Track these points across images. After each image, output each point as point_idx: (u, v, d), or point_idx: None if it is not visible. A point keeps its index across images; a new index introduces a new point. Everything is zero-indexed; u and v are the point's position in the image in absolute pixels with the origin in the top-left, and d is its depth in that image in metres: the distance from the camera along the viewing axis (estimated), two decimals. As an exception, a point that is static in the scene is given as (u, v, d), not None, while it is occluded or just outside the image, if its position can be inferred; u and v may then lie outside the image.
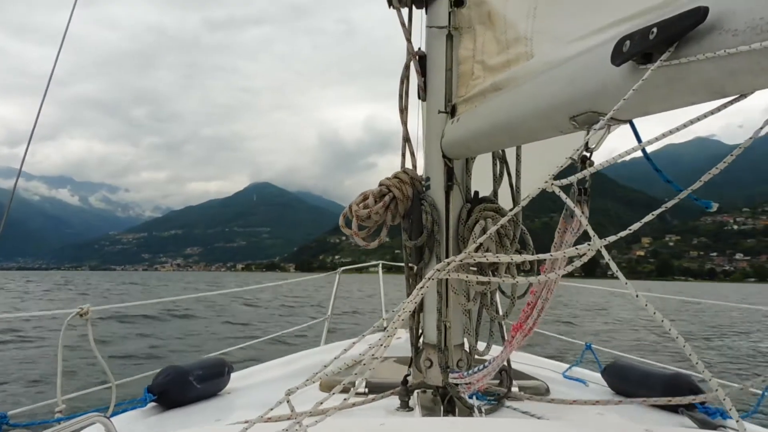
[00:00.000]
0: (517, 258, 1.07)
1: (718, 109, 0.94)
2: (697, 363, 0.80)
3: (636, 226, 0.89)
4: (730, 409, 0.79)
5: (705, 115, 0.95)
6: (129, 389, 3.10)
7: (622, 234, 0.89)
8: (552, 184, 1.02)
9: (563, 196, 1.07)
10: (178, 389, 2.63)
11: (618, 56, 1.03)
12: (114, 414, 2.41)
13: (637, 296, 0.90)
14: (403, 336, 2.78)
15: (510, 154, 2.27)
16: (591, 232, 0.95)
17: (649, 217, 0.88)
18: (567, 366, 3.53)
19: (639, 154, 1.08)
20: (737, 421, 0.78)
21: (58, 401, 2.40)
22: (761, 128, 0.97)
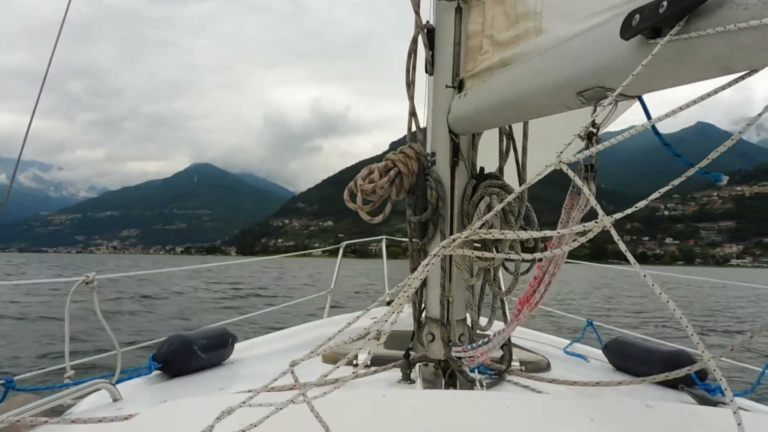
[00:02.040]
0: (523, 235, 1.07)
1: (729, 84, 0.94)
2: (692, 335, 0.80)
3: (642, 203, 0.89)
4: (720, 379, 0.80)
5: (716, 91, 0.94)
6: (137, 358, 3.14)
7: (629, 211, 0.88)
8: (560, 161, 1.02)
9: (570, 173, 1.07)
10: (182, 358, 2.67)
11: (627, 30, 1.02)
12: (119, 381, 2.45)
13: (644, 276, 0.90)
14: (406, 310, 2.81)
15: (517, 130, 2.25)
16: (599, 209, 0.95)
17: (655, 195, 0.88)
18: (568, 342, 3.56)
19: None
20: (731, 400, 0.78)
21: (66, 367, 2.44)
22: (761, 114, 0.96)
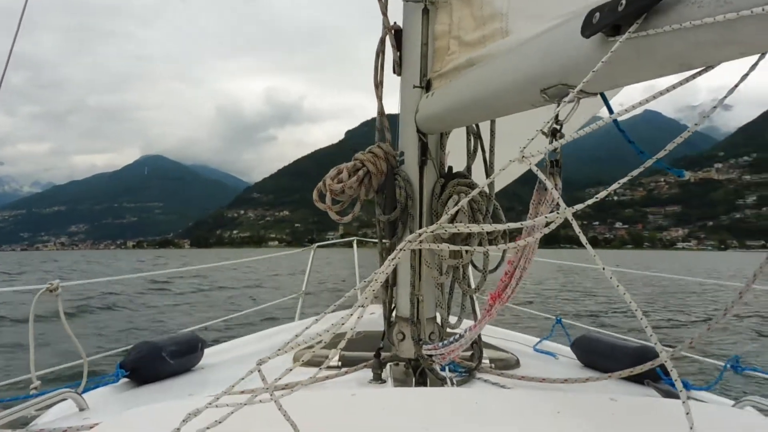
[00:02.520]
0: (488, 227, 1.09)
1: (687, 80, 0.97)
2: (646, 327, 0.83)
3: (603, 194, 0.91)
4: (671, 370, 0.83)
5: (674, 86, 0.97)
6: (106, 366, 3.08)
7: (589, 202, 0.91)
8: (523, 157, 1.04)
9: (534, 168, 1.09)
10: (150, 365, 2.63)
11: (587, 28, 1.05)
12: (86, 390, 2.40)
13: (603, 269, 0.92)
14: (377, 311, 2.81)
15: (484, 129, 2.28)
16: (560, 201, 0.97)
17: (615, 186, 0.90)
18: (537, 339, 3.60)
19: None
20: (680, 390, 0.81)
21: (32, 378, 2.38)
22: (715, 107, 1.00)
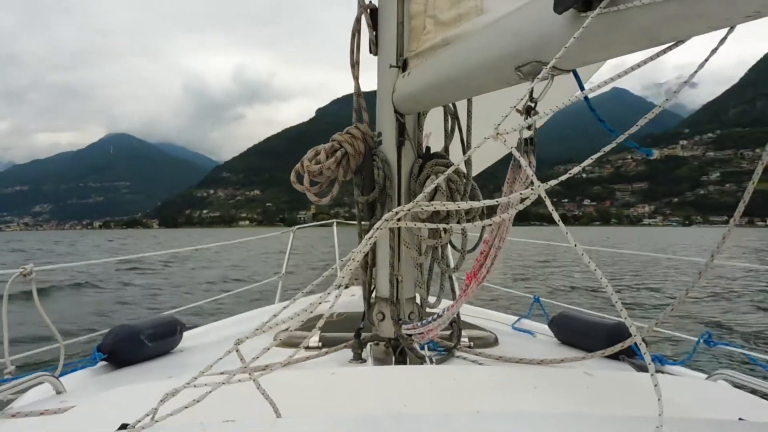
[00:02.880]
0: (464, 205, 1.09)
1: (657, 55, 0.97)
2: (615, 303, 0.84)
3: (576, 169, 0.92)
4: (640, 344, 0.85)
5: (645, 62, 0.98)
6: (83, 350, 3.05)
7: (563, 178, 0.92)
8: (498, 134, 1.04)
9: (509, 145, 1.09)
10: (128, 348, 2.62)
11: (560, 4, 1.05)
12: (63, 374, 2.38)
13: (575, 246, 0.93)
14: (357, 293, 2.83)
15: (462, 110, 2.28)
16: (534, 179, 0.98)
17: (587, 162, 0.91)
18: (516, 318, 3.65)
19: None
20: (650, 364, 0.83)
21: (6, 362, 2.36)
22: (685, 84, 1.01)
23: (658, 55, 0.98)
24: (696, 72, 0.97)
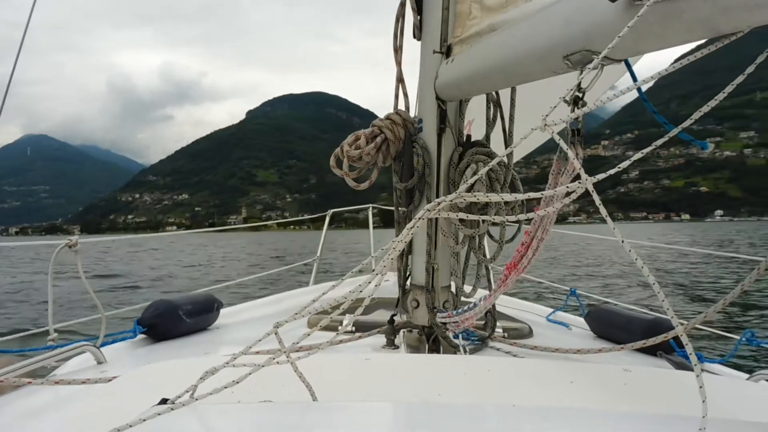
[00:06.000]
0: (507, 197, 1.08)
1: (715, 46, 0.94)
2: (663, 300, 0.82)
3: (625, 164, 0.89)
4: (687, 344, 0.83)
5: (702, 52, 0.94)
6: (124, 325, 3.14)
7: (611, 172, 0.89)
8: (546, 125, 1.02)
9: (557, 137, 1.07)
10: (167, 322, 2.68)
11: (614, -8, 1.02)
12: (104, 344, 2.45)
13: (622, 242, 0.91)
14: (391, 278, 2.83)
15: (505, 98, 2.24)
16: (582, 172, 0.96)
17: (638, 155, 0.88)
18: (551, 310, 3.61)
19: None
20: (695, 364, 0.81)
21: (49, 330, 2.44)
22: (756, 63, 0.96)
23: (716, 46, 0.95)
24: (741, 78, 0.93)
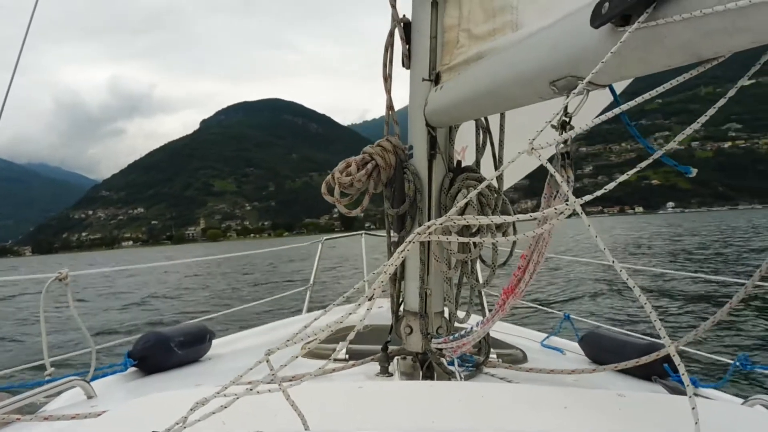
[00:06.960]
0: (497, 219, 1.09)
1: (697, 70, 0.96)
2: (655, 322, 0.82)
3: (612, 185, 0.91)
4: (679, 365, 0.83)
5: (684, 77, 0.96)
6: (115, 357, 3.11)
7: (598, 193, 0.90)
8: (533, 149, 1.03)
9: (544, 160, 1.08)
10: (158, 355, 2.65)
11: (597, 18, 1.04)
12: (94, 378, 2.42)
13: (613, 262, 0.92)
14: (384, 305, 2.82)
15: (494, 124, 2.27)
16: (570, 195, 0.97)
17: (623, 177, 0.90)
18: (545, 335, 3.59)
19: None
20: (688, 386, 0.81)
21: (45, 364, 2.41)
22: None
23: (698, 69, 0.97)
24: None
